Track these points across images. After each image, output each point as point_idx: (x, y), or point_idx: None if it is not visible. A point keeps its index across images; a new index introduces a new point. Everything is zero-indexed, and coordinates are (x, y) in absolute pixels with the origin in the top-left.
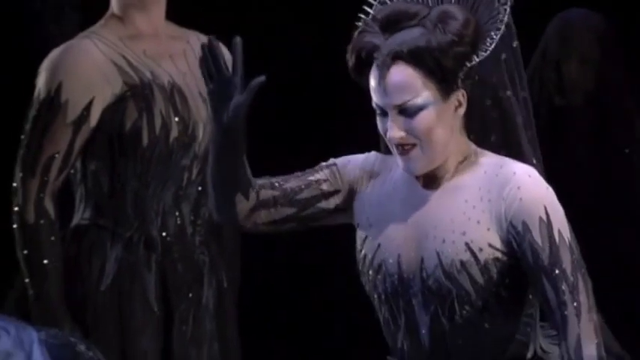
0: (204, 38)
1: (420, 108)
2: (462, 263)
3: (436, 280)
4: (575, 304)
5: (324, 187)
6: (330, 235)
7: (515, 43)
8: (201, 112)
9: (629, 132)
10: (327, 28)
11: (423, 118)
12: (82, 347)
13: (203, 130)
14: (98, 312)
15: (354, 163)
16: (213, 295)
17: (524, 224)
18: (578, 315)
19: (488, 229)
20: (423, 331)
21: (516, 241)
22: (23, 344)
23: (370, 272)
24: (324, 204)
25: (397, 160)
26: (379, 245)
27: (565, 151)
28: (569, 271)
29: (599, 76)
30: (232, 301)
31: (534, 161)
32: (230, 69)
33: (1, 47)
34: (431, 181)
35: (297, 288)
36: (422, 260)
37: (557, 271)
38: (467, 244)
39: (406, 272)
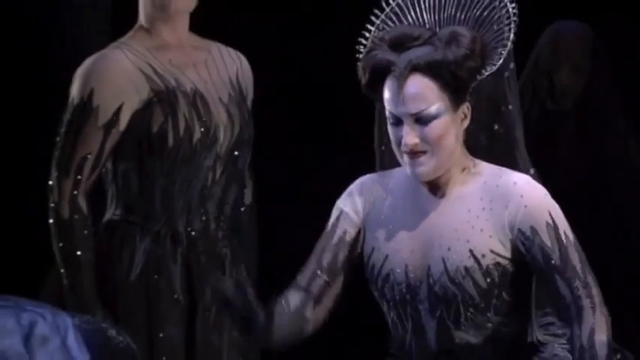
0: (223, 48)
1: (434, 117)
2: (467, 269)
3: (442, 286)
4: (589, 299)
5: (348, 237)
6: None
7: (512, 64)
8: (221, 116)
9: (615, 135)
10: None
11: (436, 127)
12: (112, 332)
13: (224, 133)
14: (127, 300)
15: (356, 197)
16: (234, 281)
17: (533, 229)
18: (593, 308)
19: (490, 237)
20: (430, 334)
21: (525, 246)
22: (59, 329)
23: (379, 281)
24: (357, 248)
25: (406, 168)
26: (387, 256)
27: (555, 152)
28: (579, 268)
29: (587, 82)
30: (251, 287)
31: (531, 170)
32: (250, 80)
33: (40, 57)
34: (434, 192)
35: None
36: (429, 268)
37: (569, 270)
38: (470, 250)
39: (413, 280)
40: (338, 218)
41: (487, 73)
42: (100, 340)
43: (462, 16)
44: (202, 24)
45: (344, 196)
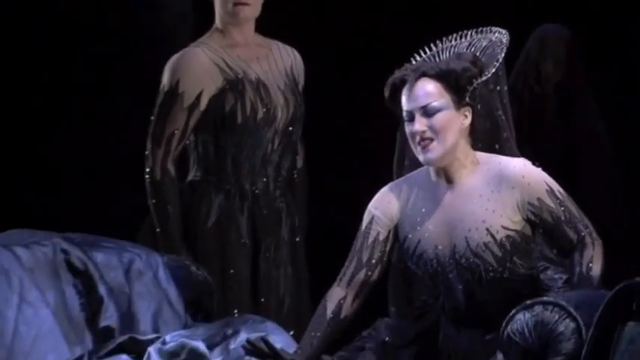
0: (281, 45)
1: (438, 110)
2: (485, 244)
3: (467, 259)
4: (590, 236)
5: (381, 237)
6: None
7: (505, 86)
8: (279, 99)
9: (588, 113)
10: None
11: (441, 118)
12: (193, 268)
13: (281, 112)
14: (205, 244)
15: (386, 203)
16: (288, 232)
17: (539, 199)
18: (593, 243)
19: (501, 216)
20: (459, 294)
21: (535, 214)
22: (151, 265)
23: (414, 259)
24: (389, 243)
25: (418, 156)
26: (419, 240)
27: (540, 124)
28: (578, 214)
29: (566, 72)
30: (302, 236)
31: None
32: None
33: (137, 53)
34: (449, 184)
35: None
36: (454, 246)
37: (572, 218)
38: (487, 229)
39: (442, 257)
40: (370, 222)
41: (480, 80)
42: (183, 274)
43: (471, 51)
44: (266, 26)
45: (375, 201)
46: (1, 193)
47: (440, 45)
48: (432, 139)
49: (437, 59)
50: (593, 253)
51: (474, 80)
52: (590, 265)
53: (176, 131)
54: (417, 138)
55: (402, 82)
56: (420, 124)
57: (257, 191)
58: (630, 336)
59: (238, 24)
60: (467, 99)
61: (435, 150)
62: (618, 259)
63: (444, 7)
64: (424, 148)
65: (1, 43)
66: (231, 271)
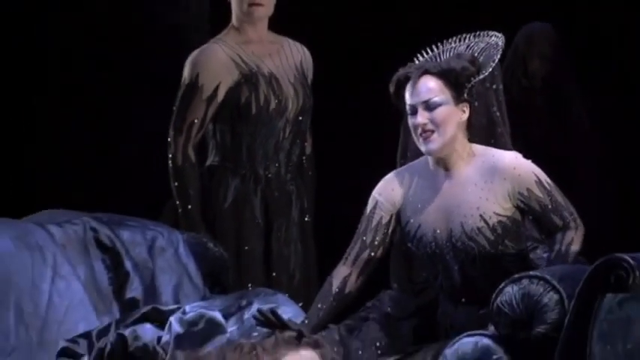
0: (292, 42)
1: (439, 104)
2: (479, 229)
3: (462, 242)
4: (574, 222)
5: (384, 221)
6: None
7: (501, 85)
8: (290, 91)
9: (572, 104)
10: None
11: (441, 112)
12: (210, 245)
13: (291, 104)
14: (222, 223)
15: (389, 190)
16: (298, 212)
17: (528, 190)
18: (575, 228)
19: (494, 203)
20: (455, 273)
21: (524, 202)
22: (172, 242)
23: (414, 241)
24: (392, 228)
25: (420, 147)
26: (419, 225)
27: (527, 114)
28: (564, 203)
29: (551, 67)
30: (311, 216)
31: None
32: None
33: (160, 50)
34: (447, 173)
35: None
36: (451, 230)
37: (558, 207)
38: (481, 215)
39: (440, 240)
40: (375, 207)
41: (478, 79)
42: (202, 251)
43: (470, 52)
44: (277, 24)
45: (379, 188)
46: (37, 176)
47: (441, 47)
48: (432, 131)
49: (438, 59)
50: (574, 236)
51: (472, 78)
52: (569, 245)
53: (196, 120)
54: (419, 130)
55: (406, 79)
56: (422, 117)
57: (270, 175)
58: (609, 306)
59: (253, 22)
60: (465, 95)
61: (436, 141)
62: (599, 238)
63: (445, 8)
64: (426, 140)
65: (41, 42)
66: (246, 248)
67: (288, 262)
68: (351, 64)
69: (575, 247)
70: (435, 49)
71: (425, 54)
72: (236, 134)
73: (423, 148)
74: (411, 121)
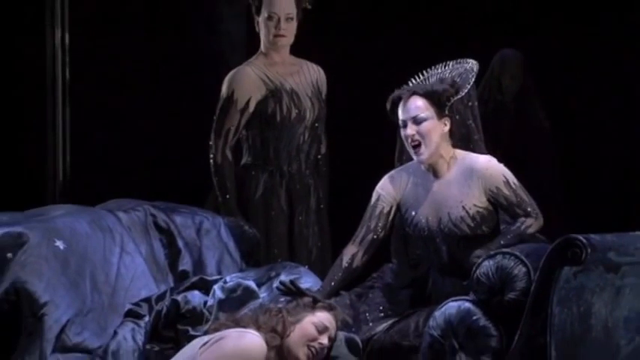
0: (310, 64)
1: (424, 119)
2: (462, 217)
3: (449, 228)
4: (535, 214)
5: (385, 211)
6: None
7: (476, 102)
8: (307, 103)
9: (536, 116)
10: None
11: (426, 125)
12: (246, 227)
13: (309, 114)
14: (254, 210)
15: (390, 186)
16: (315, 201)
17: (497, 187)
18: (535, 218)
19: (473, 197)
20: (443, 253)
21: (494, 197)
22: (215, 225)
23: (411, 227)
24: (392, 216)
25: (412, 155)
26: (415, 214)
27: (501, 125)
28: (527, 199)
29: (520, 85)
30: (325, 204)
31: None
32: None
33: (205, 71)
34: (435, 174)
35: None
36: (440, 219)
37: (522, 202)
38: (463, 207)
39: (431, 227)
40: (377, 199)
41: (456, 98)
42: (239, 232)
43: (450, 76)
44: (298, 49)
45: (381, 184)
46: (111, 173)
47: (430, 71)
48: (420, 142)
49: (426, 82)
50: (533, 223)
51: (452, 98)
52: (526, 227)
53: (232, 127)
54: (409, 140)
55: (399, 99)
56: (411, 130)
57: (292, 171)
58: (566, 277)
59: (277, 50)
60: (446, 111)
61: (424, 152)
62: (556, 222)
63: (434, 34)
64: (416, 152)
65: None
66: (273, 229)
67: (307, 241)
68: (358, 81)
69: (531, 230)
70: (425, 74)
71: (416, 78)
72: (264, 138)
73: (414, 157)
74: (402, 132)
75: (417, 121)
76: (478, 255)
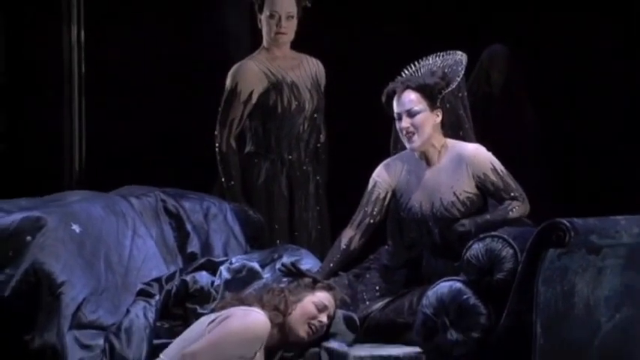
0: (309, 58)
1: (418, 112)
2: (453, 202)
3: (441, 212)
4: (521, 198)
5: (381, 196)
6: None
7: (465, 92)
8: (307, 95)
9: (523, 106)
10: None
11: (419, 118)
12: (250, 212)
13: (308, 105)
14: (257, 196)
15: (385, 173)
16: (314, 187)
17: (484, 174)
18: (521, 202)
19: (463, 183)
20: (435, 234)
21: (481, 183)
22: (222, 210)
23: (405, 211)
24: (387, 202)
25: (406, 144)
26: (409, 199)
27: (489, 114)
28: (513, 184)
29: (507, 78)
30: (324, 190)
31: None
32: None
33: (214, 64)
34: (428, 162)
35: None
36: (432, 204)
37: (508, 188)
38: (454, 192)
39: (424, 211)
40: (374, 186)
41: (447, 91)
42: (244, 216)
43: (441, 68)
44: (299, 44)
45: (377, 171)
46: (129, 163)
47: (421, 62)
48: (414, 133)
49: (418, 73)
50: (520, 206)
51: (443, 91)
52: (512, 210)
53: (235, 118)
54: (404, 131)
55: (394, 92)
56: (405, 122)
57: (292, 159)
58: (550, 258)
59: (278, 45)
60: (438, 103)
61: (417, 141)
62: (541, 207)
63: (427, 30)
64: (409, 140)
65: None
66: (275, 214)
67: (306, 224)
68: (356, 74)
69: (515, 214)
70: (417, 64)
71: (409, 69)
72: (266, 128)
73: (408, 146)
74: (397, 124)
75: (411, 114)
76: (463, 224)
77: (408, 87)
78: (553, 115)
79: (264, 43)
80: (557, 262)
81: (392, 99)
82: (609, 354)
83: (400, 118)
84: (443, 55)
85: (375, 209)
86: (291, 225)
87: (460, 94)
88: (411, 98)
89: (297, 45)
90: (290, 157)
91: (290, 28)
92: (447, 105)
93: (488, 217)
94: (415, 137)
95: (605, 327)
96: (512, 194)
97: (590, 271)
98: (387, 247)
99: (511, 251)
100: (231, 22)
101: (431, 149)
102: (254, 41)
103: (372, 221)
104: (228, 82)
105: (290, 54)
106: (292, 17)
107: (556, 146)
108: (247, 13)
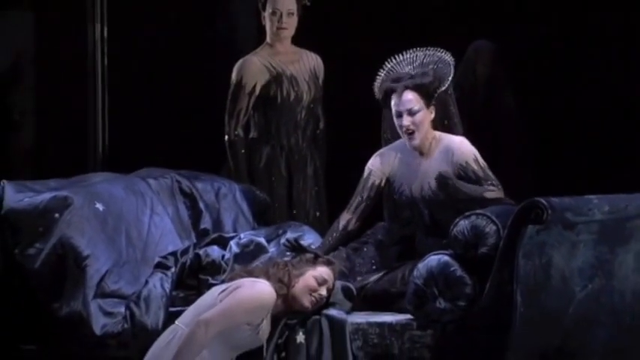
0: (309, 53)
1: (418, 111)
2: (439, 186)
3: (430, 195)
4: (498, 186)
5: (376, 183)
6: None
7: (452, 89)
8: (305, 87)
9: (504, 97)
10: None
11: (419, 116)
12: (257, 192)
13: (306, 95)
14: (260, 176)
15: (379, 162)
16: (312, 170)
17: (467, 162)
18: (498, 188)
19: (449, 170)
20: (425, 216)
21: (464, 172)
22: (231, 190)
23: (397, 195)
24: (381, 188)
25: (406, 142)
26: (401, 184)
27: (475, 103)
28: (490, 174)
29: (491, 71)
30: (322, 173)
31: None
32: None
33: (221, 60)
34: (420, 153)
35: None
36: (422, 187)
37: (486, 177)
38: (443, 177)
39: (415, 194)
40: (369, 174)
41: (441, 90)
42: (251, 196)
43: (429, 66)
44: (299, 39)
45: (372, 160)
46: (146, 146)
47: (408, 53)
48: (414, 131)
49: (400, 66)
50: (494, 191)
51: (437, 90)
52: (487, 192)
53: (242, 109)
54: (404, 129)
55: (392, 91)
56: (406, 121)
57: (291, 145)
58: (530, 234)
59: (280, 41)
60: (432, 101)
61: (417, 138)
62: (523, 188)
63: (413, 25)
64: (410, 138)
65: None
66: (276, 194)
67: (304, 204)
68: (352, 67)
69: (490, 195)
70: (398, 57)
71: (390, 61)
72: (267, 117)
73: (408, 144)
74: (398, 122)
75: (411, 112)
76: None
77: (406, 87)
78: (532, 105)
79: (268, 38)
80: (535, 238)
81: (389, 96)
82: (582, 320)
83: (400, 116)
84: (426, 50)
85: (370, 195)
86: (290, 205)
87: (449, 92)
88: (410, 98)
89: (298, 42)
90: (288, 142)
91: (290, 24)
92: (437, 102)
93: (470, 185)
94: (415, 135)
95: (579, 296)
96: (489, 182)
97: (566, 246)
98: (383, 223)
99: (494, 227)
100: (241, 20)
101: (425, 142)
102: (261, 38)
103: (367, 204)
104: (234, 76)
105: (291, 49)
106: (292, 14)
107: (534, 132)
108: (254, 11)
